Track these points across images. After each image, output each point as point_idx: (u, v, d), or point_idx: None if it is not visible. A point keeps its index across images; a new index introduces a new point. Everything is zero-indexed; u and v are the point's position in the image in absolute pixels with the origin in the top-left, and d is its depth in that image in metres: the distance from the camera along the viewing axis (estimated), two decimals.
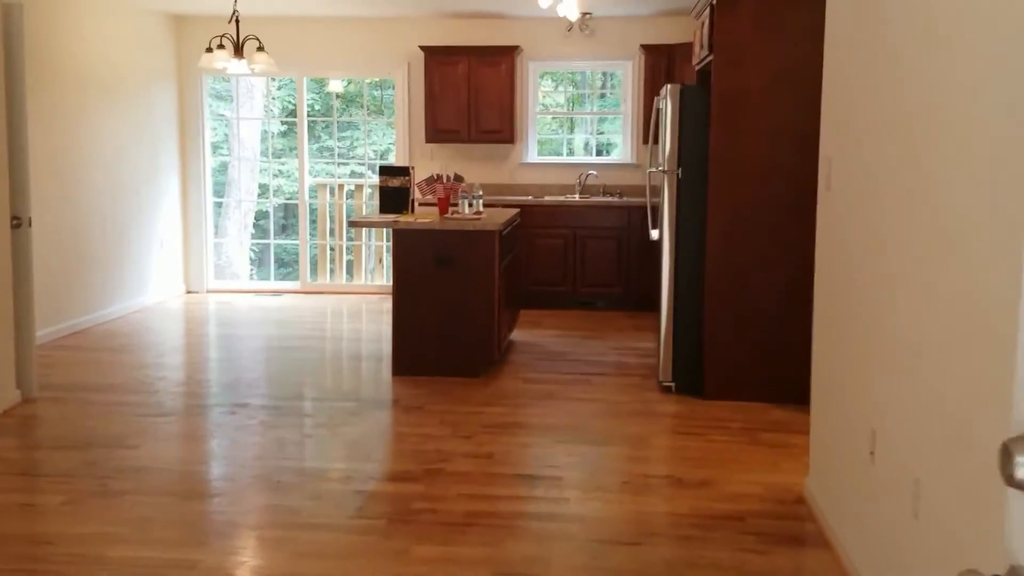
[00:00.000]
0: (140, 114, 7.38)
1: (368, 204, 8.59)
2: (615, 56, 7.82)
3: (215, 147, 10.94)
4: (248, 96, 11.33)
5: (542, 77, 8.31)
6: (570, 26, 7.61)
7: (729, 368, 4.81)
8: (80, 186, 6.48)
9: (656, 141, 5.36)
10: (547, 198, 7.65)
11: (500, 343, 5.33)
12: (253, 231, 11.51)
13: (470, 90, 7.61)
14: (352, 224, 5.42)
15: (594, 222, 7.39)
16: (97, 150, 6.73)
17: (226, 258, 10.09)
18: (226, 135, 10.44)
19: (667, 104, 4.87)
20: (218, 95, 10.52)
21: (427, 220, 5.23)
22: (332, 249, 8.52)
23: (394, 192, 5.73)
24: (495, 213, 5.75)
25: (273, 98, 11.69)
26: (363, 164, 11.97)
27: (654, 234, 5.39)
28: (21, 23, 4.51)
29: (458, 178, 5.73)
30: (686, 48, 7.16)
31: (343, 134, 12.02)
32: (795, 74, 4.56)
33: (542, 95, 8.49)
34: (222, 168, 10.78)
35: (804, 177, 4.66)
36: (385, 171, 5.80)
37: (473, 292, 5.17)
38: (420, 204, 5.92)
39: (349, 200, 8.60)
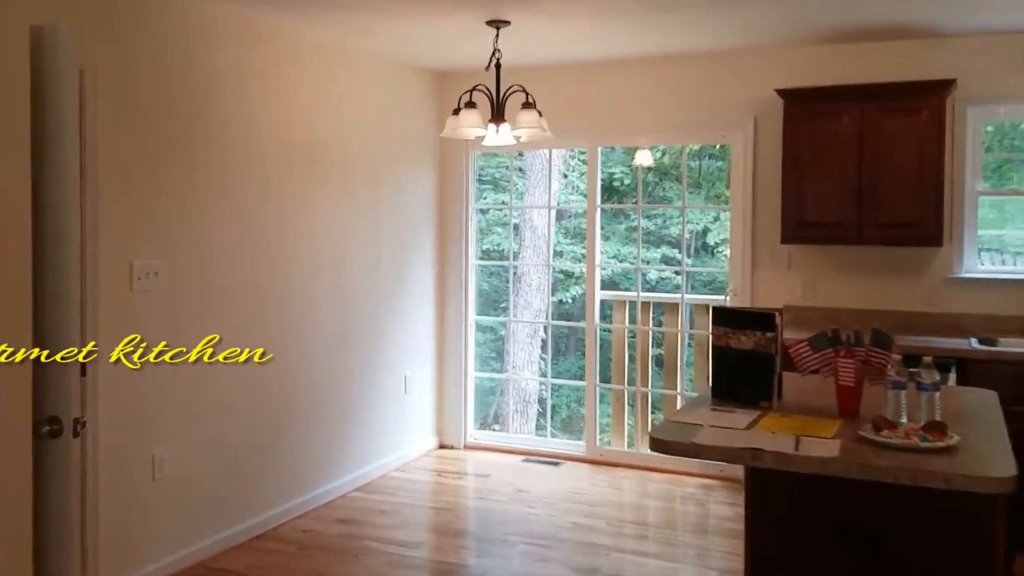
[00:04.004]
0: (386, 204, 5.31)
1: (688, 338, 5.82)
2: None
3: (502, 239, 8.99)
4: (542, 174, 9.27)
5: (988, 133, 5.02)
6: None
7: None
8: (298, 307, 4.45)
9: None
10: (1001, 344, 4.33)
11: None
12: (543, 348, 9.22)
13: (863, 157, 4.59)
14: (658, 446, 2.60)
15: None
16: (326, 254, 4.73)
17: (510, 377, 7.89)
18: (509, 222, 8.32)
19: None
20: (504, 169, 8.52)
21: (823, 443, 2.36)
22: (632, 400, 5.85)
23: (743, 360, 2.92)
24: (968, 412, 2.69)
25: (581, 174, 9.46)
26: (676, 248, 9.38)
27: None
28: (68, 52, 2.43)
29: (879, 339, 2.76)
30: None
31: (653, 212, 9.57)
32: None
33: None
34: (497, 272, 8.70)
35: None
36: (724, 317, 3.01)
37: None
38: (807, 371, 2.99)
39: (657, 324, 5.90)
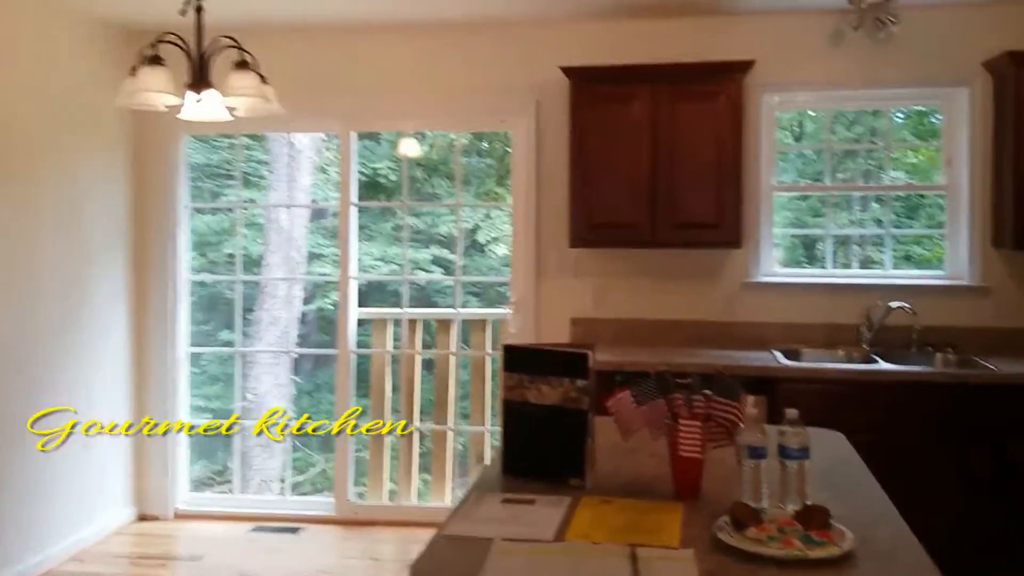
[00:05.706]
0: (48, 209, 3.94)
1: (462, 363, 4.99)
2: (934, 78, 4.09)
3: (249, 243, 7.65)
4: (289, 166, 8.02)
5: (786, 123, 4.62)
6: (857, 24, 3.95)
7: None
8: None
9: None
10: (806, 358, 3.93)
11: None
12: (295, 376, 7.98)
13: (657, 147, 3.98)
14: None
15: (909, 407, 3.56)
16: None
17: (244, 423, 6.62)
18: (236, 223, 7.03)
19: None
20: (253, 162, 7.22)
21: (671, 561, 1.57)
22: (394, 438, 4.88)
23: (546, 420, 2.08)
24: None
25: (337, 170, 8.27)
26: (446, 248, 8.51)
27: None
28: None
29: (724, 384, 2.03)
30: None
31: (424, 210, 8.66)
32: None
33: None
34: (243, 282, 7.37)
35: None
36: (518, 360, 2.15)
37: None
38: (631, 434, 2.18)
39: (426, 345, 5.01)
